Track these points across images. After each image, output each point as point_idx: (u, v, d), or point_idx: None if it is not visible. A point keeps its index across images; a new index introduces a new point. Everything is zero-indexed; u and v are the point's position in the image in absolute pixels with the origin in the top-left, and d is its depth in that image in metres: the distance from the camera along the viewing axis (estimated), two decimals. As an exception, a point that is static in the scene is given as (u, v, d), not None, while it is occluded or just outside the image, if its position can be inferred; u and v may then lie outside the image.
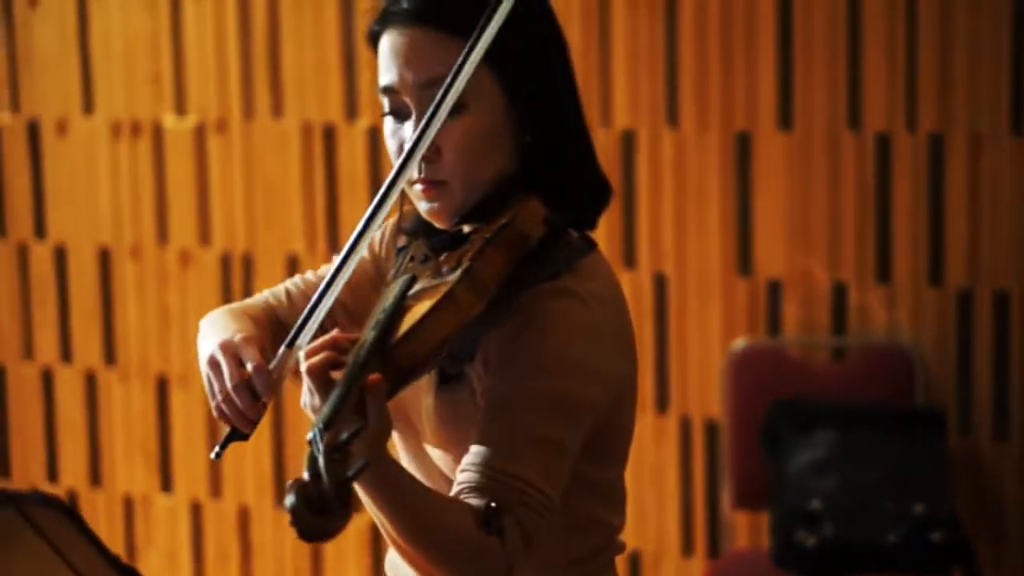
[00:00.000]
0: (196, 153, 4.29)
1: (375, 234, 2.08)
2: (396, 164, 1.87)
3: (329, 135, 4.17)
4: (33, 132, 4.44)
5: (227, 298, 4.28)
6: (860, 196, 3.83)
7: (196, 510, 4.39)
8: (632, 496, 4.02)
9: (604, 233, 3.90)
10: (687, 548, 4.00)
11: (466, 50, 1.83)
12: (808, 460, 3.67)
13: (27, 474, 4.54)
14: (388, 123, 1.93)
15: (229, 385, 1.85)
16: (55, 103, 4.40)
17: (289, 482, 1.54)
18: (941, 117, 3.77)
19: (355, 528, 4.27)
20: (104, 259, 4.41)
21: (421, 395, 1.93)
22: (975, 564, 3.61)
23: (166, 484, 4.42)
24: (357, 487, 1.69)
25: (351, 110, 4.15)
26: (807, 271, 3.87)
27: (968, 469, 3.80)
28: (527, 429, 1.79)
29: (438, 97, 1.84)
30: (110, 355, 4.43)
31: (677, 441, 3.98)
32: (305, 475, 1.55)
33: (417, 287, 1.81)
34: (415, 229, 1.96)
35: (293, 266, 4.21)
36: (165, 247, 4.34)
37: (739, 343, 3.87)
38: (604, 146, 3.93)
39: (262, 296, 2.09)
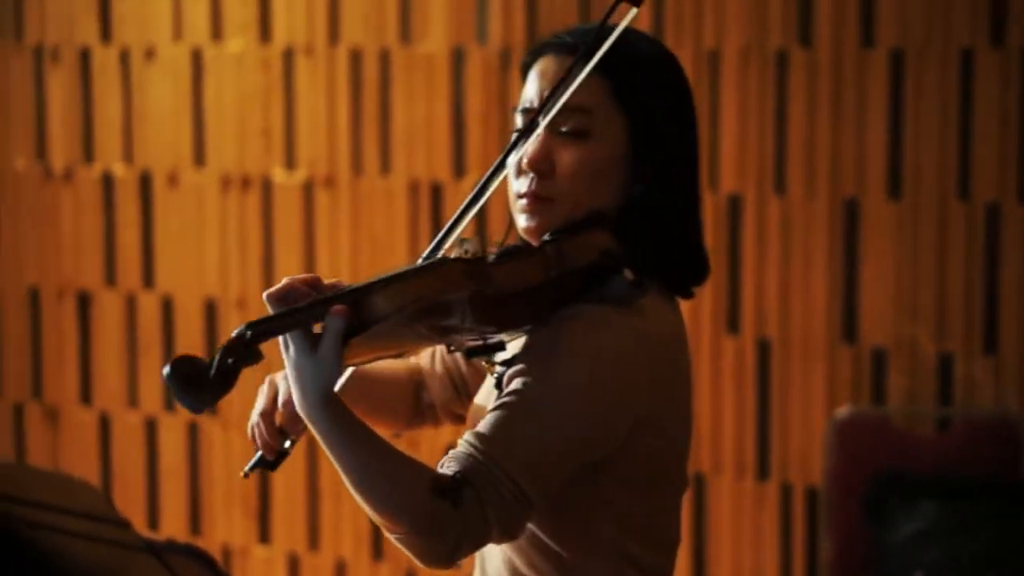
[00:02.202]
0: (304, 207, 4.34)
1: None
2: (506, 154, 2.00)
3: (436, 192, 4.20)
4: (145, 184, 4.51)
5: (330, 352, 4.32)
6: (968, 265, 3.80)
7: (294, 562, 4.41)
8: (730, 560, 4.00)
9: (709, 296, 3.90)
10: (785, 616, 3.97)
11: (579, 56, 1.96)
12: (911, 531, 3.63)
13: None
14: (520, 143, 2.03)
15: (258, 410, 2.01)
16: (167, 155, 4.47)
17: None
18: (1053, 188, 3.75)
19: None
20: (210, 310, 4.47)
21: (489, 402, 2.02)
22: (1080, 642, 3.55)
23: (264, 535, 4.44)
24: (312, 428, 1.84)
25: (459, 168, 4.18)
26: (913, 340, 3.84)
27: (1074, 545, 3.74)
28: (517, 424, 1.87)
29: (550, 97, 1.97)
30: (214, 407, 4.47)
31: (777, 508, 3.95)
32: (206, 355, 1.76)
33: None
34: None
35: (396, 322, 4.23)
36: (271, 300, 4.38)
37: (843, 411, 3.84)
38: (710, 210, 3.93)
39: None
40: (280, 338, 1.82)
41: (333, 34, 4.28)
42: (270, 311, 1.82)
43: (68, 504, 1.54)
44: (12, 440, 4.70)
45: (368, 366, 2.18)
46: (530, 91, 2.02)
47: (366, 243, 4.29)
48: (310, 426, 1.84)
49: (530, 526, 1.96)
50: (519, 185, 2.00)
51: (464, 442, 1.87)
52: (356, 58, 4.26)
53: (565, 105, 1.97)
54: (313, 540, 4.38)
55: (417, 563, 1.90)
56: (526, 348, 1.92)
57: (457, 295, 1.84)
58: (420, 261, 1.91)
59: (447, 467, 1.86)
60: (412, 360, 2.27)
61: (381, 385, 2.22)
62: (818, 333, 3.89)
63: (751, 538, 3.97)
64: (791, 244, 3.91)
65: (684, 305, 4.01)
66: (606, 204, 1.98)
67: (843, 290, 3.88)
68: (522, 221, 1.99)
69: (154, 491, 4.57)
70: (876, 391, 3.87)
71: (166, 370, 1.73)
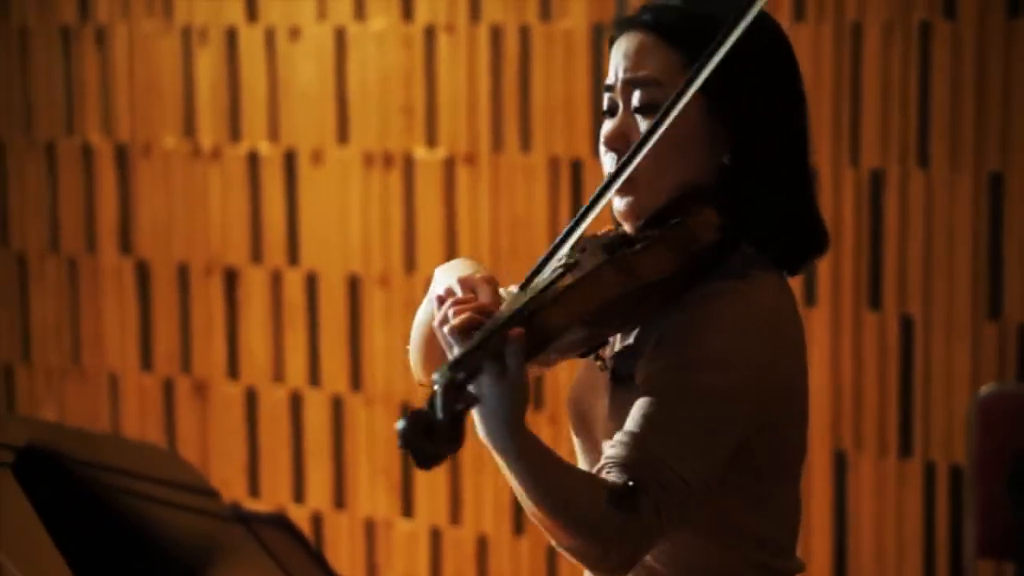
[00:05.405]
0: (445, 184, 4.37)
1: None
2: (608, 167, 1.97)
3: (576, 169, 4.21)
4: (290, 161, 4.58)
5: (471, 328, 4.35)
6: (1118, 241, 3.73)
7: (436, 536, 4.46)
8: (872, 540, 3.97)
9: (850, 272, 3.87)
10: (928, 596, 3.93)
11: (692, 71, 1.89)
12: (1057, 510, 3.57)
13: (275, 495, 4.66)
14: (605, 121, 2.02)
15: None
16: (311, 133, 4.53)
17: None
18: None
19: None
20: (353, 286, 4.52)
21: (599, 397, 1.98)
22: None
23: (407, 509, 4.49)
24: (499, 451, 1.77)
25: (598, 144, 4.17)
26: (1060, 316, 3.77)
27: None
28: (678, 417, 1.83)
29: (657, 116, 1.90)
30: (356, 380, 4.53)
31: (921, 486, 3.91)
32: (425, 406, 1.66)
33: (576, 272, 1.88)
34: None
35: (537, 298, 4.24)
36: (413, 275, 4.43)
37: (987, 388, 3.78)
38: (852, 185, 3.90)
39: None
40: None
41: (474, 12, 4.30)
42: (453, 345, 1.79)
43: (160, 474, 1.56)
44: (162, 414, 4.80)
45: (422, 310, 2.14)
46: (610, 69, 2.00)
47: (506, 220, 4.31)
48: (498, 451, 1.79)
49: None
50: (606, 165, 1.99)
51: (622, 444, 1.83)
52: (496, 35, 4.28)
53: (635, 79, 1.95)
54: (455, 515, 4.42)
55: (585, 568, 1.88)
56: (664, 338, 1.89)
57: (611, 299, 1.84)
58: (562, 259, 1.88)
59: (612, 474, 1.82)
60: None
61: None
62: (962, 309, 3.84)
63: (893, 516, 3.93)
64: (934, 219, 3.85)
65: (825, 280, 3.98)
66: (695, 176, 1.95)
67: (987, 266, 3.82)
68: (616, 203, 1.97)
69: (299, 465, 4.64)
70: (1022, 368, 3.81)
71: (401, 424, 1.65)
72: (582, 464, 2.07)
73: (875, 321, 3.90)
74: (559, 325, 1.81)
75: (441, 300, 1.88)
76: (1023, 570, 3.59)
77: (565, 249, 1.90)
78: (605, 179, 1.94)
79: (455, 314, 1.80)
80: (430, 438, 1.64)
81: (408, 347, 2.17)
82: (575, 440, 2.10)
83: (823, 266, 3.90)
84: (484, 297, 1.86)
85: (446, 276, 1.95)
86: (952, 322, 3.85)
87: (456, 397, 1.66)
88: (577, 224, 1.89)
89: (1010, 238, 3.79)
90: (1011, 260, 3.80)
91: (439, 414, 1.65)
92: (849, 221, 3.90)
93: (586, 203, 1.92)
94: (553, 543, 1.85)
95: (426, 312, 2.07)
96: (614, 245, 1.94)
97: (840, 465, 3.95)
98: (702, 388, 1.84)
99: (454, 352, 1.76)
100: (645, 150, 1.88)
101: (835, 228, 3.87)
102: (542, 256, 1.92)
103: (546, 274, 1.88)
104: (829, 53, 3.88)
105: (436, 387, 1.67)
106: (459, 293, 1.87)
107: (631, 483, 1.80)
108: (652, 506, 1.79)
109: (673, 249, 1.88)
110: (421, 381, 2.19)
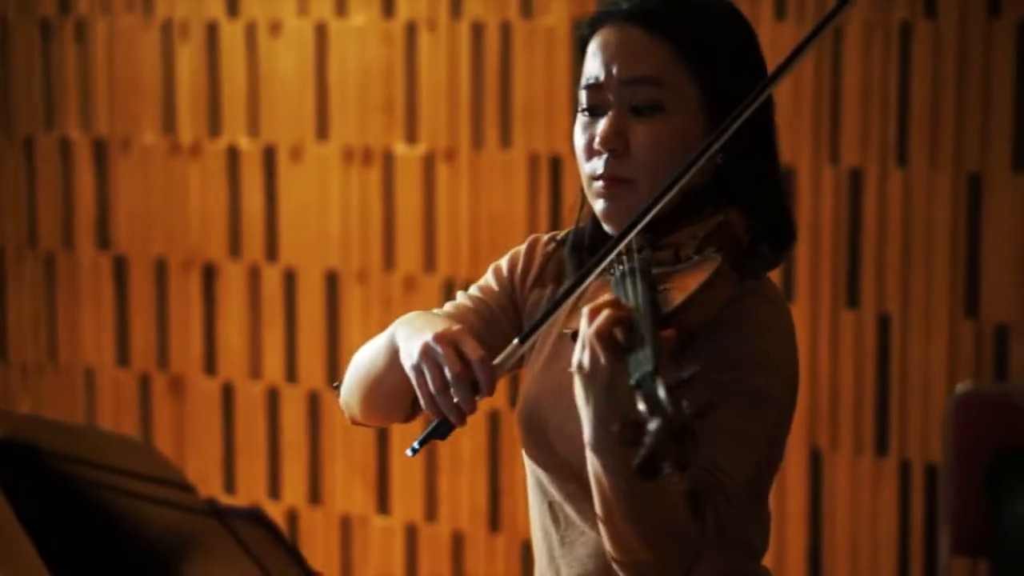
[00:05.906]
0: (424, 181, 4.37)
1: (503, 262, 2.10)
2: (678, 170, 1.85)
3: (555, 166, 4.21)
4: (269, 157, 4.57)
5: (450, 324, 4.34)
6: (1095, 241, 3.74)
7: (411, 533, 4.45)
8: (847, 539, 3.97)
9: (828, 270, 3.87)
10: (903, 594, 3.94)
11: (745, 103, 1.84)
12: (1032, 509, 3.58)
13: (251, 491, 4.65)
14: (581, 120, 1.95)
15: (449, 375, 1.77)
16: (291, 129, 4.52)
17: (622, 424, 1.52)
18: None
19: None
20: (332, 282, 4.51)
21: (567, 406, 1.80)
22: None
23: (383, 506, 4.48)
24: (611, 456, 1.65)
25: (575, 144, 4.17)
26: (1037, 316, 3.78)
27: None
28: (723, 420, 1.74)
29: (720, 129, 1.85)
30: (334, 376, 4.52)
31: (896, 485, 3.92)
32: (642, 409, 1.51)
33: (658, 271, 1.81)
34: (579, 244, 1.98)
35: (515, 295, 4.24)
36: (391, 272, 4.42)
37: (963, 387, 3.79)
38: (831, 183, 3.90)
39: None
40: (620, 363, 1.62)
41: (455, 8, 4.30)
42: (597, 347, 1.64)
43: (136, 467, 1.55)
44: (138, 409, 4.79)
45: (368, 360, 2.02)
46: (593, 66, 1.92)
47: (485, 216, 4.30)
48: (609, 454, 1.64)
49: None
50: (593, 166, 1.91)
51: None
52: (477, 32, 4.28)
53: (632, 78, 1.88)
54: (431, 511, 4.42)
55: None
56: (701, 340, 1.80)
57: (729, 296, 1.81)
58: (622, 264, 1.81)
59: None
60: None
61: (390, 375, 1.99)
62: (939, 308, 3.85)
63: (869, 514, 3.94)
64: (913, 218, 3.86)
65: (803, 278, 3.98)
66: (696, 178, 1.86)
67: (965, 265, 3.83)
68: (600, 204, 1.90)
69: (275, 461, 4.63)
70: (998, 367, 3.82)
71: (655, 425, 1.49)
72: (545, 487, 1.97)
73: (853, 319, 3.91)
74: (696, 325, 1.75)
75: (433, 363, 1.77)
76: (997, 569, 3.60)
77: (597, 270, 1.82)
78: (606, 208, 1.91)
79: (592, 314, 1.65)
80: (678, 442, 1.49)
81: (336, 384, 2.10)
82: (528, 460, 1.99)
83: (801, 264, 3.90)
84: (471, 351, 1.77)
85: (413, 334, 1.85)
86: (929, 321, 3.86)
87: (681, 397, 1.52)
88: (607, 253, 1.82)
89: (988, 238, 3.80)
90: (989, 259, 3.81)
91: (679, 417, 1.50)
92: (828, 219, 3.90)
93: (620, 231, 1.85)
94: (615, 554, 1.74)
95: (381, 358, 1.96)
96: (651, 248, 1.87)
97: (816, 463, 3.95)
98: (748, 390, 1.80)
99: (641, 353, 1.58)
100: (678, 187, 1.82)
101: (814, 226, 3.88)
102: (559, 293, 1.85)
103: (633, 276, 1.78)
104: (810, 52, 3.87)
105: (658, 392, 1.52)
106: (439, 351, 1.78)
107: (694, 491, 1.72)
108: (714, 517, 1.73)
109: (727, 250, 1.84)
110: (355, 419, 2.09)
